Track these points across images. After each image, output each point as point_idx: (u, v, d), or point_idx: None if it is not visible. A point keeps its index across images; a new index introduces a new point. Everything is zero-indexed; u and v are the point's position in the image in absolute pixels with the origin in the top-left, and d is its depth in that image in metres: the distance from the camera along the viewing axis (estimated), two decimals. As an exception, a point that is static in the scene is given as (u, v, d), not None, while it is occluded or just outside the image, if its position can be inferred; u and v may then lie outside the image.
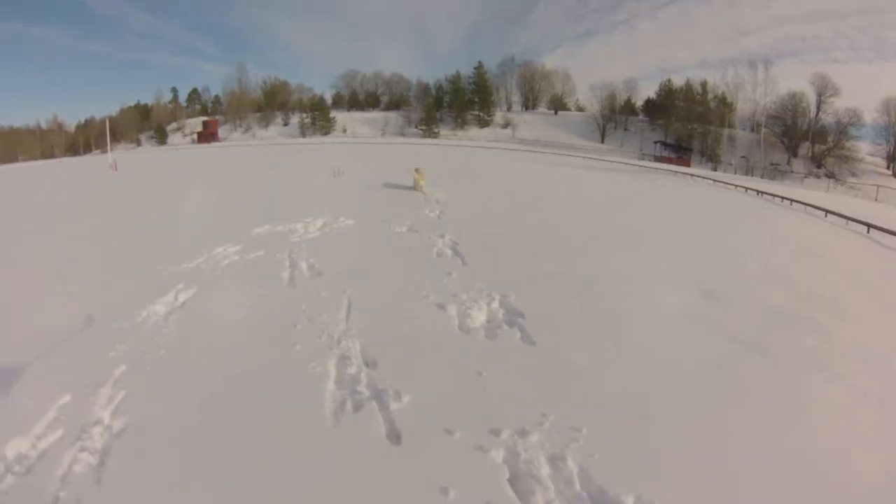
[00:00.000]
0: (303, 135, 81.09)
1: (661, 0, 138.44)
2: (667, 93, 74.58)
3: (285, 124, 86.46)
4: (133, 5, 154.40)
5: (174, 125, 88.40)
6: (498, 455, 3.74)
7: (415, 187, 17.69)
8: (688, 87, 72.69)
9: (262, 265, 8.64)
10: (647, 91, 79.64)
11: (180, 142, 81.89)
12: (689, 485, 3.61)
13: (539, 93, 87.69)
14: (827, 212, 19.96)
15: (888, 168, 59.29)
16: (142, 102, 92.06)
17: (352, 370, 5.02)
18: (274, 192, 17.53)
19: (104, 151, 45.79)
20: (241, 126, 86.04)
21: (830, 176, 55.05)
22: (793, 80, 64.06)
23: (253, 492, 3.47)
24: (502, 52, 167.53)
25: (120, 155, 47.68)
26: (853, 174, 55.64)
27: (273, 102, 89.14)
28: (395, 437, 3.96)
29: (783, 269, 10.06)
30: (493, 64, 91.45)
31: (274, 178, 22.24)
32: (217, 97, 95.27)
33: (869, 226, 16.60)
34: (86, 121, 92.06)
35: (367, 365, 5.14)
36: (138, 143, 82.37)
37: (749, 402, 4.80)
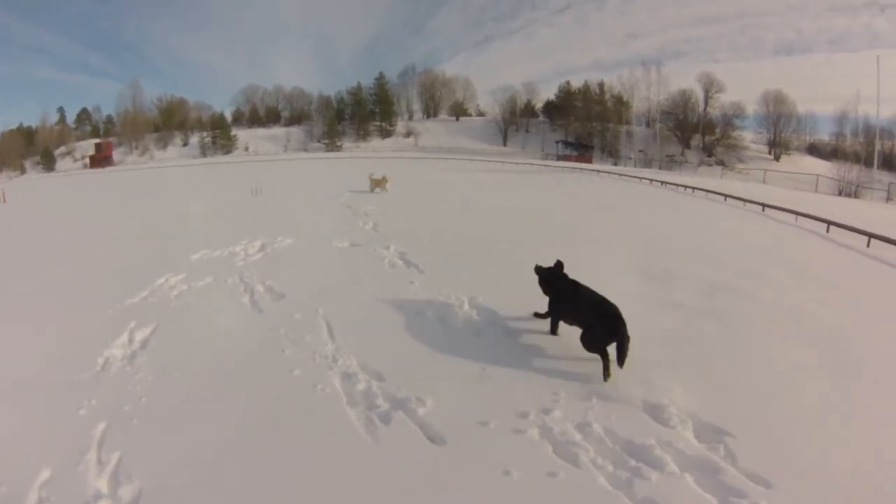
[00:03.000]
0: (203, 154, 78.44)
1: (556, 6, 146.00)
2: (566, 94, 78.58)
3: (185, 144, 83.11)
4: (16, 13, 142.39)
5: (63, 149, 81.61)
6: (535, 433, 4.23)
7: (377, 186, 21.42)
8: (586, 87, 77.29)
9: (217, 292, 8.31)
10: (547, 93, 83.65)
11: (71, 167, 75.81)
12: (693, 420, 4.44)
13: (440, 100, 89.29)
14: (726, 196, 22.02)
15: (770, 153, 65.75)
16: (25, 125, 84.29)
17: (361, 386, 5.11)
18: (196, 216, 17.10)
19: (-20, 181, 42.18)
20: (137, 148, 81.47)
21: (721, 163, 60.24)
22: (682, 79, 71.01)
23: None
24: (403, 61, 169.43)
25: (4, 184, 43.10)
26: (740, 160, 61.53)
27: (171, 121, 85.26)
28: (437, 438, 4.23)
29: (706, 248, 11.38)
30: (394, 74, 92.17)
31: (190, 201, 21.39)
32: (110, 117, 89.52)
33: (763, 205, 18.76)
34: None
35: (374, 378, 5.26)
36: (23, 171, 75.71)
37: (712, 356, 5.76)
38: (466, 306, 7.22)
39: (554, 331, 6.18)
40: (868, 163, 50.90)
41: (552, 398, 4.73)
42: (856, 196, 40.02)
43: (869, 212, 22.53)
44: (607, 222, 15.10)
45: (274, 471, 3.88)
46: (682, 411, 4.51)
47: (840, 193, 40.57)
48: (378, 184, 22.39)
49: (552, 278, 6.30)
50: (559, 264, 6.40)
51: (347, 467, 3.90)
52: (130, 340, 6.43)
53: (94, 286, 8.66)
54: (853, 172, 45.36)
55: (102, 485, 3.78)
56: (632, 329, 5.50)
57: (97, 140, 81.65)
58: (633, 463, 3.86)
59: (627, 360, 5.13)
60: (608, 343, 5.16)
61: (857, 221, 14.59)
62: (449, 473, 3.81)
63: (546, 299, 6.38)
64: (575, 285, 6.04)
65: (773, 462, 3.83)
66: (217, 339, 6.42)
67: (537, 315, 6.57)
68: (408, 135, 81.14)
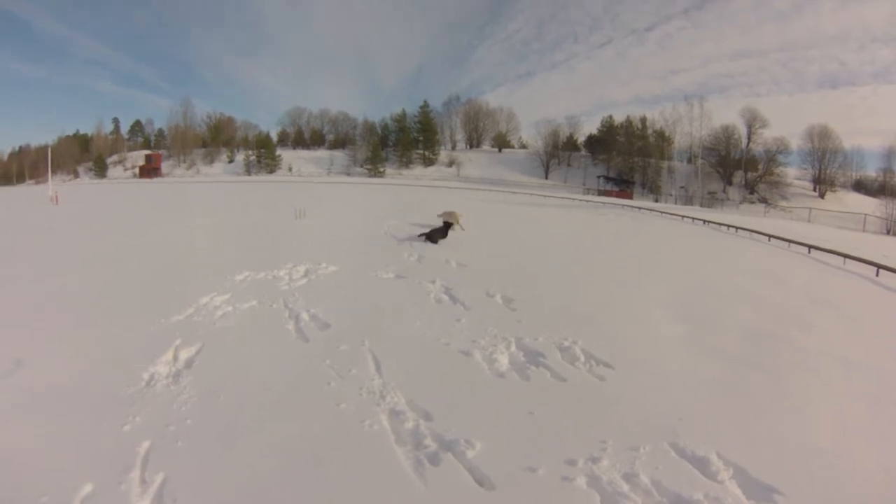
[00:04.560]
0: (248, 172, 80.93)
1: (597, 41, 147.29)
2: (608, 128, 78.71)
3: (230, 161, 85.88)
4: (81, 30, 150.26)
5: (115, 157, 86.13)
6: (582, 482, 4.23)
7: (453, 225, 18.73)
8: (628, 122, 77.38)
9: (261, 317, 8.32)
10: (589, 127, 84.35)
11: (121, 175, 79.45)
12: (741, 476, 4.37)
13: (483, 131, 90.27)
14: (770, 236, 21.60)
15: (814, 190, 64.14)
16: (81, 132, 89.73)
17: (409, 425, 5.10)
18: (240, 235, 17.47)
19: (38, 182, 43.94)
20: (184, 161, 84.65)
21: (763, 201, 59.02)
22: (724, 113, 70.48)
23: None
24: (447, 90, 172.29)
25: (58, 187, 44.30)
26: (784, 198, 60.08)
27: (218, 138, 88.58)
28: (486, 482, 4.22)
29: (749, 291, 11.19)
30: (438, 102, 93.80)
31: (234, 219, 21.99)
32: (161, 130, 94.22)
33: (810, 247, 18.28)
34: (20, 148, 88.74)
35: (422, 418, 5.25)
36: (76, 175, 79.29)
37: (758, 407, 5.64)
38: (513, 347, 7.22)
39: None
40: (918, 199, 49.18)
41: (600, 446, 4.72)
42: (906, 234, 38.83)
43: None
44: (648, 261, 15.02)
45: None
46: (729, 465, 4.47)
47: (889, 232, 39.42)
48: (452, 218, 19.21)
49: None
50: None
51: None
52: (175, 358, 6.45)
53: (140, 298, 8.88)
54: (902, 208, 44.06)
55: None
56: (679, 379, 5.58)
57: (148, 151, 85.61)
58: (680, 518, 3.83)
59: (673, 407, 5.18)
60: None
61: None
62: (496, 520, 3.81)
63: None
64: None
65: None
66: (262, 365, 6.41)
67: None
68: (450, 164, 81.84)
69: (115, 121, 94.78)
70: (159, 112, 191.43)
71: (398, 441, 4.82)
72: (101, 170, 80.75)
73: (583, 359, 6.82)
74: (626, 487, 4.15)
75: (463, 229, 18.83)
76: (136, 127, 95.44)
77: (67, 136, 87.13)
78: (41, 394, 5.33)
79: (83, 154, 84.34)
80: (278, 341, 7.34)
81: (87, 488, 3.87)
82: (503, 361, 6.77)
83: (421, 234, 16.92)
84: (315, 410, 5.33)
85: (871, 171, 68.39)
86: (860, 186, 67.14)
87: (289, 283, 10.46)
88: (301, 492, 4.03)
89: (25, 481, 3.94)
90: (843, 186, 66.24)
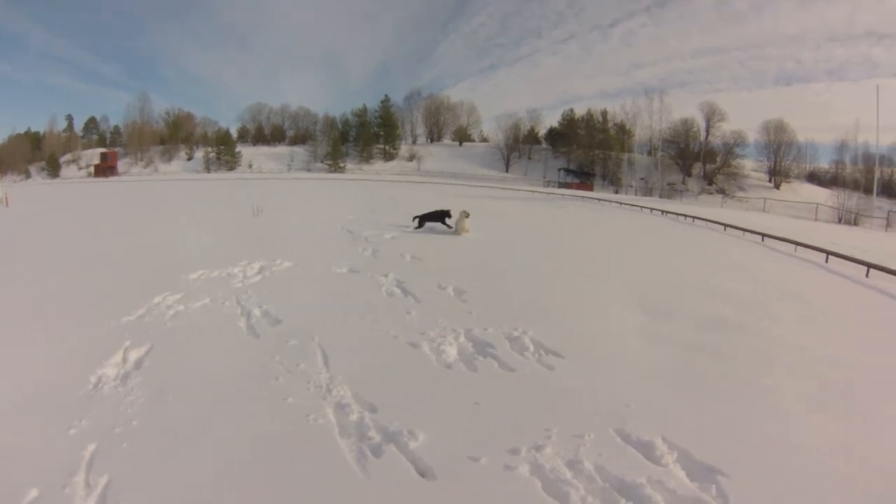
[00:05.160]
0: (207, 170, 79.14)
1: (561, 36, 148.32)
2: (569, 122, 79.56)
3: (189, 158, 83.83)
4: (37, 21, 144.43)
5: (69, 156, 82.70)
6: (525, 470, 4.20)
7: (459, 230, 17.30)
8: (589, 115, 78.32)
9: (213, 315, 8.22)
10: (550, 120, 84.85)
11: (75, 175, 76.29)
12: (685, 459, 4.39)
13: (444, 125, 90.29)
14: (726, 225, 22.13)
15: (770, 181, 66.33)
16: (32, 130, 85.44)
17: (353, 417, 5.09)
18: (196, 233, 17.07)
19: (-15, 182, 42.05)
20: (142, 159, 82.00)
21: (721, 192, 60.73)
22: (684, 108, 72.43)
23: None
24: (409, 85, 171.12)
25: (8, 188, 42.14)
26: (741, 189, 62.05)
27: (177, 135, 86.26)
28: (428, 472, 4.20)
29: (704, 280, 11.39)
30: (400, 97, 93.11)
31: (191, 218, 21.48)
32: (117, 127, 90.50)
33: (763, 235, 18.81)
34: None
35: (367, 410, 5.24)
36: (28, 175, 76.15)
37: (707, 393, 5.69)
38: (462, 338, 7.22)
39: None
40: (868, 190, 51.41)
41: (544, 434, 4.71)
42: (855, 224, 40.35)
43: (868, 240, 22.62)
44: (607, 252, 15.19)
45: (263, 502, 3.84)
46: (674, 449, 4.49)
47: (840, 221, 40.90)
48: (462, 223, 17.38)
49: None
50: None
51: (337, 500, 3.88)
52: (124, 360, 6.33)
53: (90, 300, 8.61)
54: (853, 200, 45.90)
55: None
56: (630, 367, 5.67)
57: (103, 150, 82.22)
58: (622, 502, 3.84)
59: (621, 394, 5.21)
60: None
61: (856, 250, 14.66)
62: (436, 511, 3.79)
63: None
64: None
65: (767, 502, 3.79)
66: (212, 363, 6.35)
67: None
68: (411, 158, 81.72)
69: (69, 118, 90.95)
70: (115, 108, 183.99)
71: (342, 433, 4.79)
72: (53, 169, 77.32)
73: (532, 349, 6.84)
74: (569, 474, 4.14)
75: (466, 231, 17.21)
76: (91, 124, 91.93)
77: (18, 135, 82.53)
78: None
79: (35, 153, 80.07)
80: (229, 339, 7.26)
81: (33, 493, 3.79)
82: (451, 353, 6.75)
83: (415, 217, 18.35)
84: (262, 406, 5.28)
85: (824, 164, 71.34)
86: (813, 178, 69.62)
87: (243, 281, 10.33)
88: (243, 488, 3.97)
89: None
90: (798, 178, 68.50)
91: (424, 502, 3.87)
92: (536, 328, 7.52)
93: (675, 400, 5.49)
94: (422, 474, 4.19)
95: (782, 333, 7.78)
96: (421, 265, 12.01)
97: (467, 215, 17.35)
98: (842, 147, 65.81)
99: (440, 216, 18.35)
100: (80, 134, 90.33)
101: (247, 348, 6.94)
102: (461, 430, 4.82)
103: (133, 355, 6.46)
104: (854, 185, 53.85)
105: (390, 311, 8.53)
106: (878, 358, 6.86)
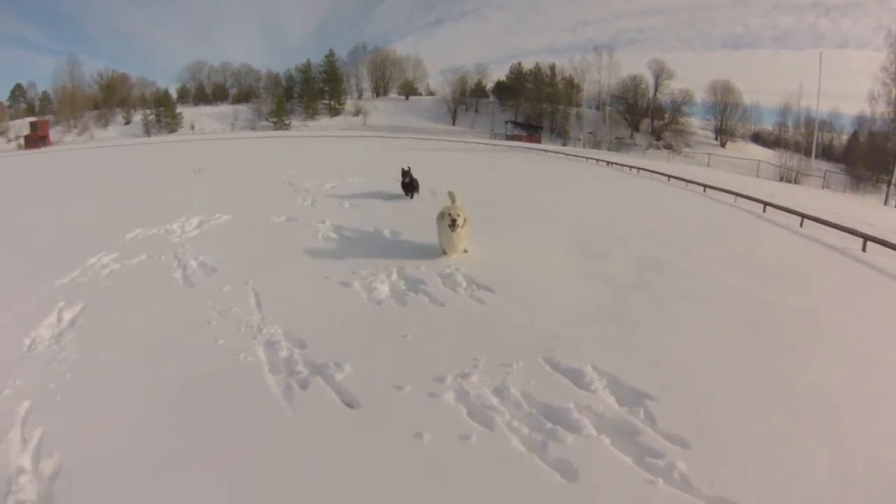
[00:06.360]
0: (147, 133, 74.58)
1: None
2: (517, 75, 78.88)
3: (127, 122, 78.90)
4: None
5: None
6: (450, 397, 4.23)
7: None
8: (537, 69, 77.60)
9: (149, 270, 8.15)
10: (498, 74, 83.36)
11: (4, 148, 71.28)
12: (615, 385, 4.51)
13: (390, 79, 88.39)
14: (670, 176, 22.51)
15: (716, 139, 68.33)
16: None
17: (283, 353, 5.12)
18: (135, 196, 16.14)
19: None
20: (76, 126, 76.82)
21: (668, 147, 61.97)
22: (632, 65, 72.58)
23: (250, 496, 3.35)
24: (354, 40, 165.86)
25: None
26: (687, 145, 63.63)
27: (112, 99, 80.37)
28: (353, 402, 4.22)
29: (643, 225, 11.61)
30: (345, 52, 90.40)
31: (131, 182, 20.22)
32: (45, 94, 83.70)
33: (705, 186, 19.20)
34: None
35: (297, 346, 5.26)
36: None
37: (639, 327, 5.81)
38: (395, 276, 7.26)
39: None
40: (808, 152, 53.43)
41: (472, 363, 4.74)
42: (796, 182, 41.97)
43: (807, 196, 23.38)
44: (551, 200, 15.17)
45: (191, 440, 3.85)
46: (604, 376, 4.58)
47: (781, 179, 42.54)
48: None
49: None
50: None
51: (263, 433, 3.90)
52: (59, 320, 6.29)
53: (23, 270, 8.18)
54: (794, 160, 47.61)
55: (25, 461, 3.72)
56: (563, 302, 5.76)
57: (32, 119, 76.52)
58: (549, 426, 3.88)
59: (552, 327, 5.29)
60: None
61: (793, 204, 15.07)
62: (361, 437, 3.80)
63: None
64: None
65: (692, 424, 3.89)
66: (146, 315, 6.32)
67: None
68: (356, 113, 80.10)
69: None
70: (42, 74, 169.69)
71: (272, 370, 4.85)
72: None
73: (464, 284, 6.88)
74: (495, 400, 4.18)
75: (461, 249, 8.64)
76: (17, 92, 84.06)
77: None
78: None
79: None
80: (163, 291, 7.22)
81: None
82: (383, 290, 6.78)
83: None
84: (193, 350, 5.33)
85: (768, 126, 73.21)
86: (758, 139, 71.51)
87: (181, 236, 10.15)
88: (171, 429, 4.00)
89: None
90: (743, 138, 70.25)
91: (347, 430, 3.88)
92: (469, 266, 7.56)
93: (605, 331, 5.60)
94: (347, 404, 4.21)
95: (712, 274, 7.96)
96: (359, 212, 11.90)
97: (454, 200, 9.08)
98: (785, 111, 67.67)
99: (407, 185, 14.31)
100: (7, 103, 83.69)
101: (181, 298, 6.93)
102: (388, 362, 4.85)
103: (67, 315, 6.39)
104: (796, 147, 55.81)
105: (325, 254, 8.55)
106: (803, 301, 7.06)
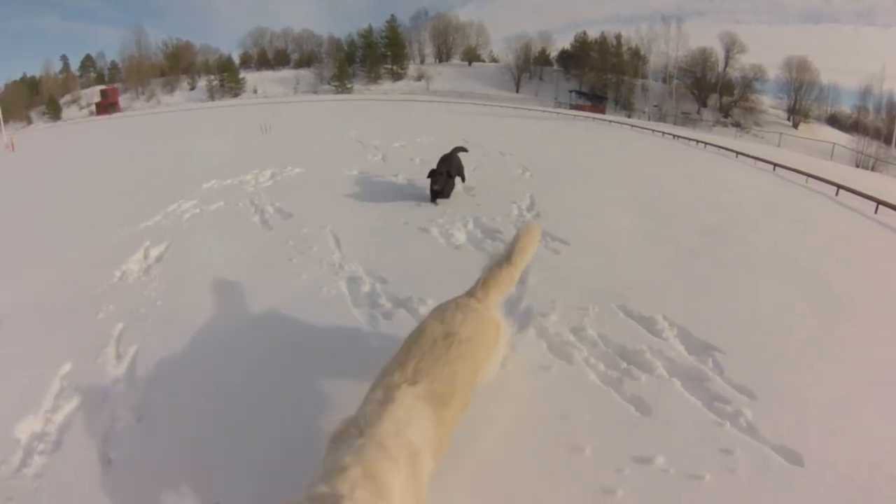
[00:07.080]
0: (212, 98, 76.97)
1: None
2: (582, 44, 76.71)
3: (192, 88, 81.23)
4: None
5: (68, 97, 78.97)
6: (532, 332, 4.49)
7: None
8: (602, 39, 75.23)
9: (228, 215, 8.66)
10: (562, 43, 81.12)
11: (77, 115, 73.74)
12: (684, 335, 4.63)
13: (453, 45, 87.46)
14: (738, 153, 21.82)
15: (788, 119, 64.82)
16: (28, 75, 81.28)
17: (366, 288, 5.40)
18: (206, 151, 17.12)
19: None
20: (143, 93, 79.56)
21: (737, 125, 59.52)
22: (701, 37, 68.87)
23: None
24: (415, 5, 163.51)
25: (13, 134, 42.16)
26: (757, 124, 60.82)
27: (177, 66, 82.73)
28: None
29: (709, 196, 11.31)
30: (406, 17, 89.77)
31: (203, 141, 21.40)
32: (114, 63, 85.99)
33: (775, 165, 18.52)
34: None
35: (378, 282, 5.53)
36: (29, 121, 73.75)
37: (704, 286, 5.85)
38: (471, 225, 7.51)
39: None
40: (888, 140, 50.37)
41: (550, 305, 4.96)
42: (873, 170, 39.81)
43: (884, 184, 22.37)
44: (615, 166, 15.07)
45: (278, 360, 4.13)
46: (674, 326, 4.72)
47: (857, 166, 40.31)
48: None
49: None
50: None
51: (352, 352, 4.22)
52: (146, 256, 6.78)
53: (108, 217, 8.79)
54: (872, 147, 44.95)
55: (120, 372, 4.10)
56: (632, 259, 5.96)
57: (102, 87, 79.05)
58: (624, 365, 4.08)
59: (622, 279, 5.54)
60: None
61: (868, 191, 14.50)
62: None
63: None
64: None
65: (757, 379, 3.97)
66: (228, 251, 6.77)
67: None
68: (419, 78, 80.00)
69: (64, 58, 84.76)
70: (110, 44, 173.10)
71: (355, 303, 5.12)
72: (55, 112, 73.74)
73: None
74: (573, 338, 4.40)
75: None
76: (88, 62, 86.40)
77: (14, 82, 77.75)
78: (17, 303, 5.47)
79: (34, 98, 76.14)
80: (243, 232, 7.67)
81: (66, 367, 4.12)
82: (460, 237, 7.04)
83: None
84: (277, 281, 5.67)
85: (847, 108, 68.79)
86: (834, 121, 67.26)
87: (255, 186, 10.67)
88: (260, 349, 4.31)
89: (5, 369, 4.15)
90: (818, 119, 66.29)
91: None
92: (543, 220, 7.79)
93: (672, 287, 5.69)
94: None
95: (777, 248, 7.74)
96: (431, 167, 11.98)
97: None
98: (866, 93, 63.37)
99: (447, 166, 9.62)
100: (78, 73, 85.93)
101: (261, 238, 7.34)
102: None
103: (154, 252, 6.91)
104: (875, 133, 52.80)
105: (400, 203, 8.85)
106: (867, 279, 6.84)
